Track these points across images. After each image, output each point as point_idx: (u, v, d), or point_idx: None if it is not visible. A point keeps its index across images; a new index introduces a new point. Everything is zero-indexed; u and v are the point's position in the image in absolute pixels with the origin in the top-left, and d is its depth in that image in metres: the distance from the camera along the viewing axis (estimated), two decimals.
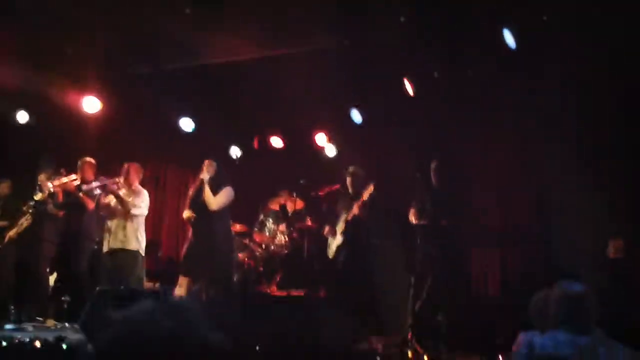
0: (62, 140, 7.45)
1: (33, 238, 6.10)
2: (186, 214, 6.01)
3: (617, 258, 5.67)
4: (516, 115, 6.65)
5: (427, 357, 4.71)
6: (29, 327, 5.41)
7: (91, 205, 6.17)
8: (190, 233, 6.10)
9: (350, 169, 6.46)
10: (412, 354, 4.86)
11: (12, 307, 5.78)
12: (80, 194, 6.18)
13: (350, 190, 6.37)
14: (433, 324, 5.48)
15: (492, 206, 7.01)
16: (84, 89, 7.33)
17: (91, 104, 7.30)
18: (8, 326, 5.25)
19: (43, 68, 6.97)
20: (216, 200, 5.84)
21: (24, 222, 6.30)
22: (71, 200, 6.25)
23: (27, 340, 4.48)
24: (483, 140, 7.04)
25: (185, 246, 6.07)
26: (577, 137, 6.18)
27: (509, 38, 5.73)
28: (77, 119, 7.41)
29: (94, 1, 5.99)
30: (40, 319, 5.90)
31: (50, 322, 5.79)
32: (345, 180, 6.43)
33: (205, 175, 5.89)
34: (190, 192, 6.17)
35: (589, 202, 5.79)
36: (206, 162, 6.01)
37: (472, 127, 6.89)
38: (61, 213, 6.21)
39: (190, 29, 6.22)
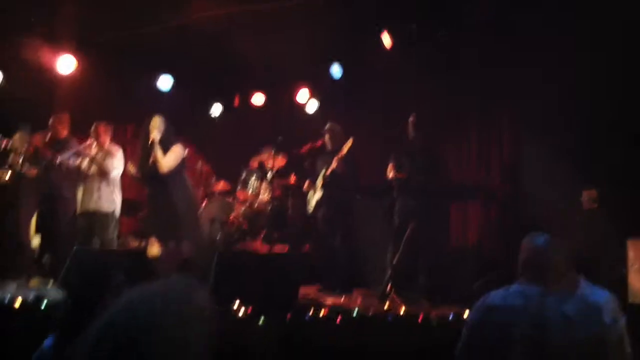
0: (37, 101, 7.32)
1: (11, 201, 6.03)
2: (132, 169, 5.84)
3: (591, 208, 5.72)
4: (493, 71, 6.60)
5: (405, 308, 4.78)
6: (12, 286, 5.43)
7: (48, 155, 5.97)
8: (146, 194, 5.97)
9: (328, 125, 6.43)
10: (390, 305, 4.93)
11: None
12: (38, 147, 5.99)
13: (329, 146, 6.35)
14: (412, 276, 5.56)
15: (469, 160, 7.05)
16: (59, 49, 7.18)
17: (66, 64, 7.15)
18: None
19: (18, 28, 6.82)
20: (167, 162, 5.60)
21: None
22: (33, 154, 6.07)
23: (7, 299, 4.52)
24: (458, 100, 7.01)
25: (145, 209, 5.95)
26: (551, 90, 6.15)
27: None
28: (53, 79, 7.27)
29: None
30: (24, 279, 5.92)
31: (34, 282, 5.81)
32: (325, 136, 6.41)
33: (156, 136, 5.60)
34: (138, 149, 5.91)
35: (563, 154, 5.83)
36: (155, 118, 5.70)
37: (447, 85, 6.84)
38: (34, 171, 6.09)
39: None
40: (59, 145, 6.13)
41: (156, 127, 5.63)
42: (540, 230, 2.71)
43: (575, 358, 2.23)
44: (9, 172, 6.07)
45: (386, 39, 6.50)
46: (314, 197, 6.38)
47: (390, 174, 5.71)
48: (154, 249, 5.46)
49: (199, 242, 5.97)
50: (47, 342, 2.17)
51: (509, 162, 6.82)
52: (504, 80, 6.50)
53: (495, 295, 2.44)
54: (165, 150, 5.61)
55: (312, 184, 6.46)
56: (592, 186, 5.74)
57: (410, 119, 5.81)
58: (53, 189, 6.12)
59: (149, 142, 5.61)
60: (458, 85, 6.83)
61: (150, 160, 5.62)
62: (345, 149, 5.95)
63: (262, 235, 7.22)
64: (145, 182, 5.97)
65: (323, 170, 6.25)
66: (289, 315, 4.28)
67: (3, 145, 6.00)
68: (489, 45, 6.42)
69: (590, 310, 2.28)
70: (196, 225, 6.18)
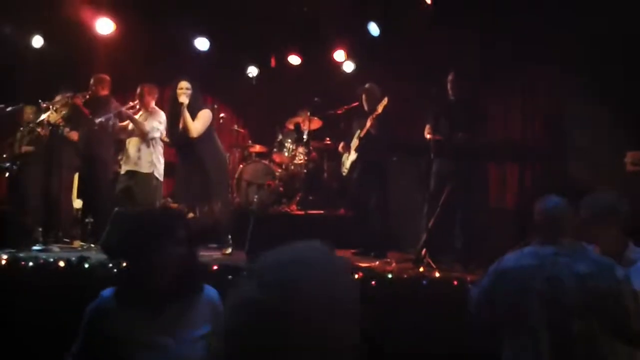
0: (77, 63, 7.41)
1: (52, 163, 6.15)
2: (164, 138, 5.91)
3: (636, 171, 5.49)
4: (536, 27, 6.30)
5: (439, 273, 4.74)
6: (55, 248, 5.60)
7: (87, 114, 6.01)
8: (177, 159, 5.94)
9: (366, 85, 6.30)
10: (425, 269, 4.90)
11: (40, 229, 5.95)
12: (78, 105, 6.03)
13: (365, 106, 6.24)
14: (447, 240, 5.49)
15: (510, 120, 6.84)
16: (97, 10, 7.22)
17: (104, 25, 7.19)
18: (36, 247, 5.45)
19: None
20: (196, 128, 5.51)
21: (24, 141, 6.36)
22: (72, 113, 6.15)
23: (52, 260, 4.66)
24: (501, 54, 6.73)
25: (176, 173, 5.92)
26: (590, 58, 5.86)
27: None
28: (93, 39, 7.33)
29: None
30: (67, 240, 6.10)
31: (77, 244, 5.99)
32: (361, 97, 6.30)
33: (185, 100, 5.49)
34: (166, 113, 5.89)
35: (607, 116, 5.58)
36: (182, 83, 5.56)
37: (492, 38, 6.59)
38: (75, 135, 6.18)
39: None
40: (98, 105, 6.19)
41: (184, 91, 5.53)
42: (581, 192, 2.77)
43: (593, 313, 2.28)
44: (49, 129, 6.18)
45: None
46: (349, 159, 6.31)
47: (428, 135, 5.58)
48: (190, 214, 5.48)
49: (229, 204, 5.96)
50: (106, 292, 2.22)
51: (552, 120, 6.58)
52: (550, 30, 6.18)
53: (509, 259, 2.55)
54: (193, 115, 5.54)
55: (347, 146, 6.39)
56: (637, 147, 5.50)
57: (450, 77, 5.63)
58: (92, 151, 6.22)
59: (178, 106, 5.54)
60: (500, 38, 6.57)
61: (180, 125, 5.59)
62: (380, 108, 5.82)
63: (297, 199, 7.24)
64: (175, 148, 5.97)
65: (358, 132, 6.16)
66: None
67: (45, 106, 6.11)
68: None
69: (602, 268, 2.35)
70: (227, 188, 6.18)
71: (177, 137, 5.69)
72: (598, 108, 5.75)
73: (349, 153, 6.32)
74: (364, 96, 6.24)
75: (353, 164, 6.22)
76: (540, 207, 2.59)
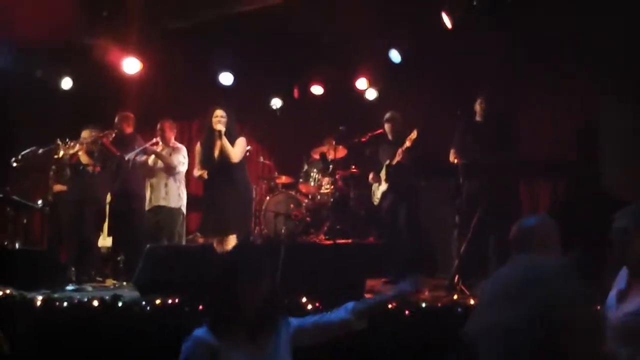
0: (104, 102, 7.58)
1: (83, 202, 6.25)
2: (197, 172, 5.80)
3: None
4: (562, 43, 6.25)
5: (474, 299, 4.64)
6: (88, 287, 5.63)
7: (116, 153, 6.11)
8: (206, 190, 5.91)
9: (388, 114, 6.32)
10: (459, 296, 4.80)
11: (73, 268, 6.02)
12: (105, 144, 6.16)
13: (390, 136, 6.24)
14: (480, 264, 5.39)
15: (539, 138, 6.75)
16: (124, 50, 7.40)
17: (131, 65, 7.36)
18: (69, 287, 5.48)
19: (84, 31, 7.07)
20: (236, 153, 5.64)
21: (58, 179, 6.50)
22: (100, 152, 6.25)
23: (85, 300, 4.69)
24: (528, 70, 6.68)
25: (205, 205, 5.87)
26: (626, 63, 5.76)
27: None
28: (118, 78, 7.51)
29: None
30: (100, 279, 6.15)
31: (109, 282, 6.03)
32: (385, 126, 6.31)
33: (221, 128, 5.61)
34: (198, 146, 5.92)
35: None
36: (218, 112, 5.68)
37: (515, 57, 6.55)
38: (97, 168, 6.25)
39: None
40: (124, 143, 6.30)
41: (219, 119, 5.63)
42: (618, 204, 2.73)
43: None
44: (79, 168, 6.30)
45: (446, 20, 6.28)
46: (379, 188, 6.31)
47: (454, 159, 5.54)
48: (231, 242, 5.46)
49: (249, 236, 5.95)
50: (199, 330, 2.29)
51: (584, 135, 6.46)
52: (580, 40, 6.10)
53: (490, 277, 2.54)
54: (231, 141, 5.65)
55: (377, 175, 6.38)
56: None
57: (479, 100, 5.62)
58: (126, 187, 6.29)
59: (215, 134, 5.61)
60: (526, 52, 6.50)
61: (216, 152, 5.63)
62: (409, 141, 5.83)
63: (325, 228, 7.22)
64: (210, 176, 6.00)
65: (387, 161, 6.16)
66: None
67: (72, 145, 6.23)
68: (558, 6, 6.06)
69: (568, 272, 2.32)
70: (249, 221, 6.16)
71: (213, 165, 5.71)
72: (631, 119, 5.63)
73: (380, 183, 6.32)
74: (388, 125, 6.26)
75: (384, 193, 6.22)
76: (516, 225, 2.84)
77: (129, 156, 6.04)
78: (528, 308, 1.66)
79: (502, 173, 5.37)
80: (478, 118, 5.64)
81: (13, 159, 6.43)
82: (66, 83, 7.63)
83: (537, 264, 2.21)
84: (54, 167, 6.66)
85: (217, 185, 5.76)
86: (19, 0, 6.01)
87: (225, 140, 5.58)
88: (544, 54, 6.52)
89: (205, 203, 5.91)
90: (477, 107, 5.62)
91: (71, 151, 6.20)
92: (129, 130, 6.45)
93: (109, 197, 6.55)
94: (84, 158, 6.31)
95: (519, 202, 6.28)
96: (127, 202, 6.33)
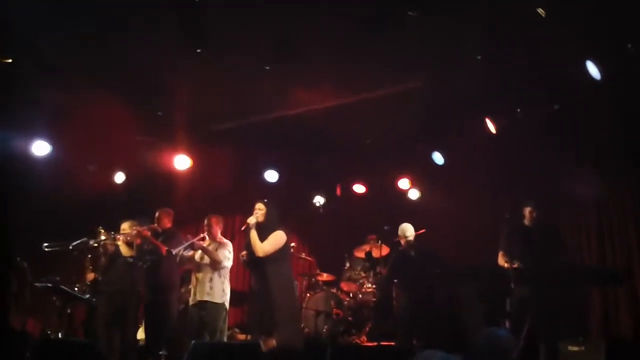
0: (154, 197, 7.81)
1: (121, 290, 6.29)
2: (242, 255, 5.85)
3: None
4: (606, 149, 6.32)
5: None
6: None
7: (163, 248, 6.17)
8: (251, 285, 5.93)
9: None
10: None
11: None
12: (153, 240, 6.23)
13: None
14: None
15: (589, 241, 6.66)
16: (175, 149, 7.73)
17: (182, 162, 7.66)
18: None
19: (138, 132, 7.45)
20: (263, 247, 5.57)
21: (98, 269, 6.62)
22: (148, 247, 6.32)
23: None
24: (573, 175, 6.71)
25: (249, 300, 5.92)
26: None
27: (593, 69, 5.50)
28: (169, 175, 7.79)
29: (177, 66, 6.26)
30: None
31: None
32: None
33: (251, 220, 5.63)
34: (243, 228, 5.90)
35: None
36: (257, 205, 5.75)
37: (559, 163, 6.61)
38: (140, 263, 6.31)
39: (270, 83, 6.39)
40: (166, 237, 6.41)
41: (255, 212, 5.71)
42: None
43: None
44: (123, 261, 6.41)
45: (490, 125, 6.44)
46: None
47: (504, 263, 5.47)
48: (271, 342, 5.38)
49: (294, 335, 5.78)
50: None
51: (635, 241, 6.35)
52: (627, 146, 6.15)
53: None
54: (265, 234, 5.63)
55: None
56: None
57: (528, 208, 5.64)
58: (163, 281, 6.34)
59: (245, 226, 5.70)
60: (571, 159, 6.57)
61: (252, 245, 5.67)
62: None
63: (367, 329, 7.07)
64: (251, 270, 5.98)
65: None
66: None
67: (113, 236, 6.38)
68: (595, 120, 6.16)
69: None
70: (295, 316, 6.09)
71: (249, 258, 5.72)
72: None
73: None
74: None
75: None
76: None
77: (176, 251, 6.12)
78: None
79: (555, 281, 5.28)
80: (527, 222, 5.63)
81: (45, 244, 6.55)
82: (119, 177, 7.92)
83: None
84: (89, 256, 6.76)
85: (255, 280, 5.80)
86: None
87: (253, 233, 5.61)
88: (587, 162, 6.58)
89: (249, 299, 5.87)
90: (527, 213, 5.63)
91: (112, 241, 6.35)
92: (168, 225, 6.60)
93: None
94: (124, 249, 6.43)
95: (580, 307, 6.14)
96: (164, 296, 6.35)
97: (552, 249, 5.37)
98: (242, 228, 5.80)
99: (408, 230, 6.52)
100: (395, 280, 6.69)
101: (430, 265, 6.30)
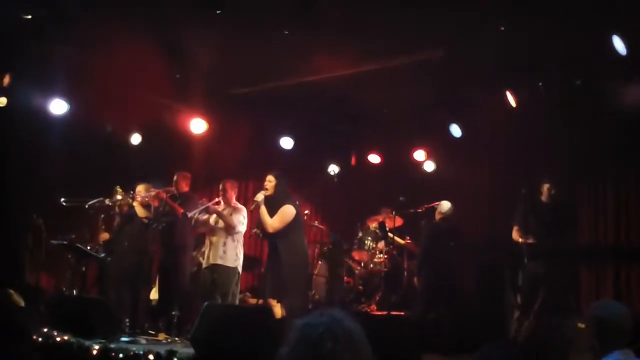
0: (169, 159, 7.83)
1: (135, 251, 6.37)
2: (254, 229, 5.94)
3: None
4: (629, 125, 6.20)
5: None
6: (142, 340, 5.64)
7: (180, 211, 6.21)
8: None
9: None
10: None
11: (127, 319, 6.06)
12: (170, 202, 6.30)
13: None
14: (540, 347, 5.19)
15: (604, 222, 6.59)
16: (191, 112, 7.71)
17: (198, 125, 7.65)
18: (123, 338, 5.51)
19: (156, 94, 7.43)
20: (272, 224, 5.60)
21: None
22: (164, 209, 6.38)
23: (141, 352, 4.69)
24: (593, 152, 6.62)
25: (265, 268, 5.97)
26: None
27: (618, 44, 5.36)
28: (185, 139, 7.79)
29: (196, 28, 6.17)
30: (153, 332, 6.17)
31: (162, 336, 6.02)
32: None
33: (258, 197, 5.68)
34: (251, 208, 6.00)
35: None
36: (268, 177, 5.74)
37: (578, 138, 6.52)
38: (155, 224, 6.32)
39: (288, 49, 6.32)
40: (182, 201, 6.45)
41: (265, 185, 5.71)
42: None
43: None
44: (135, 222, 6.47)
45: (510, 98, 6.34)
46: None
47: (519, 238, 5.45)
48: (277, 309, 5.44)
49: (303, 304, 5.82)
50: None
51: None
52: None
53: None
54: (275, 208, 5.64)
55: None
56: None
57: (547, 185, 5.59)
58: (177, 243, 6.40)
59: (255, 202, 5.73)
60: (590, 137, 6.47)
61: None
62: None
63: (377, 298, 7.11)
64: (266, 240, 6.08)
65: None
66: None
67: (129, 195, 6.43)
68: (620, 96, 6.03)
69: None
70: (305, 287, 6.14)
71: (262, 231, 5.80)
72: None
73: None
74: None
75: None
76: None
77: (192, 214, 6.15)
78: None
79: (569, 257, 5.26)
80: (544, 199, 5.58)
81: (63, 199, 6.62)
82: (135, 139, 7.93)
83: None
84: (102, 215, 6.82)
85: (269, 252, 5.90)
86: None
87: (262, 210, 5.64)
88: (607, 138, 6.48)
89: (265, 267, 6.01)
90: (544, 189, 5.58)
91: (129, 201, 6.40)
92: (186, 189, 6.62)
93: None
94: (140, 211, 6.48)
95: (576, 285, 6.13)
96: (178, 257, 6.41)
97: (567, 227, 5.33)
98: (251, 209, 5.84)
99: (445, 206, 6.61)
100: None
101: (458, 240, 6.32)
